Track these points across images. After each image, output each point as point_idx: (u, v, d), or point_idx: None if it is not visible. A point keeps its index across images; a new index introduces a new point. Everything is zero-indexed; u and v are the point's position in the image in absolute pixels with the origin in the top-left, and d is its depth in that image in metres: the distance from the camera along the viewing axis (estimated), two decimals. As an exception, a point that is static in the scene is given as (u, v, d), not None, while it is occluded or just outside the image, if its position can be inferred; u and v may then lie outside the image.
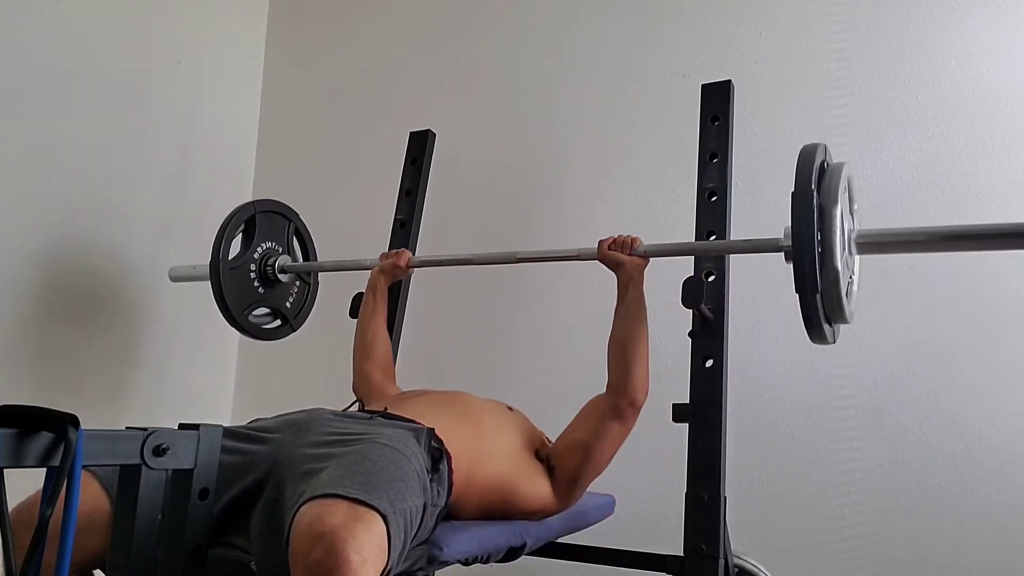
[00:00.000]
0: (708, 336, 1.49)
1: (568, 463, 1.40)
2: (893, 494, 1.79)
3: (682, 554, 1.36)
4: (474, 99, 2.46)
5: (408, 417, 1.27)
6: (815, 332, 1.26)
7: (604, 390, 1.45)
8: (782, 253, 1.35)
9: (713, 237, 1.59)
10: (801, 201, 1.21)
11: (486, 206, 2.37)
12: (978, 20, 1.92)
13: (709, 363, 1.48)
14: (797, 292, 1.21)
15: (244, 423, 1.29)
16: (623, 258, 1.49)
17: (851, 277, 1.33)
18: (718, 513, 1.36)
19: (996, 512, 1.71)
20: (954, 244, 1.35)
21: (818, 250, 1.20)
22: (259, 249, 1.91)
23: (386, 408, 1.33)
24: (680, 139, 2.07)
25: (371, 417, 1.27)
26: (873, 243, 1.35)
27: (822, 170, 1.27)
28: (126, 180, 2.18)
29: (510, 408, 1.53)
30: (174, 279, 2.08)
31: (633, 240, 1.52)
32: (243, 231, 1.90)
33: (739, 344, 1.87)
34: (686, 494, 1.40)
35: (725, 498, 1.39)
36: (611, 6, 2.32)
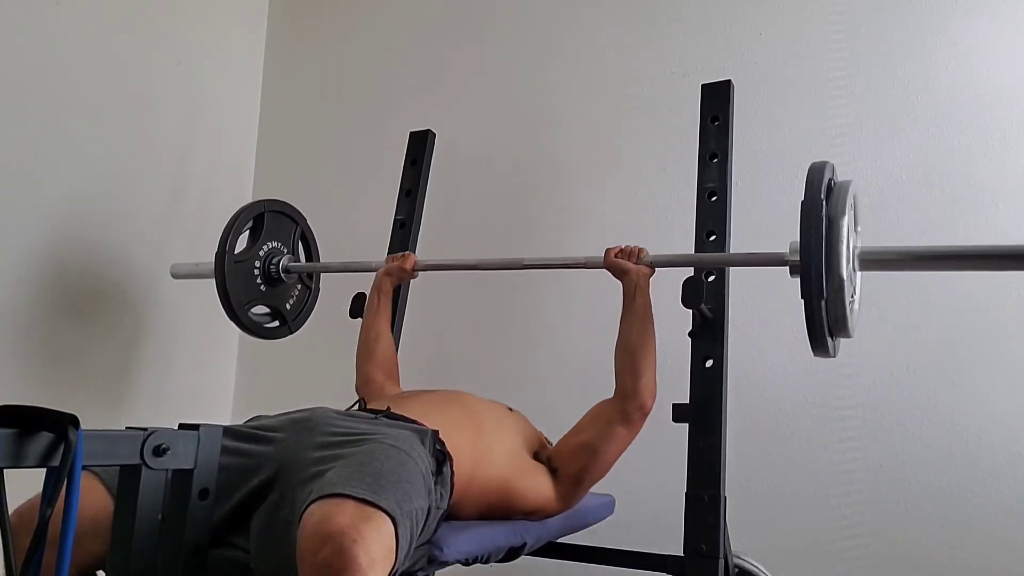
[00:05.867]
0: (708, 336, 1.50)
1: (573, 464, 1.40)
2: (893, 494, 1.79)
3: (682, 554, 1.36)
4: (474, 99, 2.45)
5: (411, 417, 1.27)
6: (818, 343, 1.27)
7: (609, 393, 1.45)
8: (787, 268, 1.36)
9: (713, 238, 1.59)
10: (810, 210, 1.23)
11: (486, 206, 2.37)
12: (978, 20, 1.92)
13: (709, 363, 1.48)
14: (803, 298, 1.23)
15: (244, 421, 1.29)
16: (629, 266, 1.50)
17: (854, 293, 1.34)
18: (718, 513, 1.36)
19: (996, 512, 1.71)
20: (956, 263, 1.38)
21: (824, 260, 1.22)
22: (265, 247, 1.91)
23: (388, 407, 1.33)
24: (680, 139, 2.07)
25: (375, 416, 1.27)
26: (876, 260, 1.36)
27: (830, 186, 1.29)
28: (126, 182, 2.17)
29: (510, 409, 1.53)
30: (176, 276, 2.08)
31: (640, 250, 1.53)
32: (250, 228, 1.90)
33: (739, 344, 1.86)
34: (686, 494, 1.40)
35: (725, 498, 1.39)
36: (611, 6, 2.32)
